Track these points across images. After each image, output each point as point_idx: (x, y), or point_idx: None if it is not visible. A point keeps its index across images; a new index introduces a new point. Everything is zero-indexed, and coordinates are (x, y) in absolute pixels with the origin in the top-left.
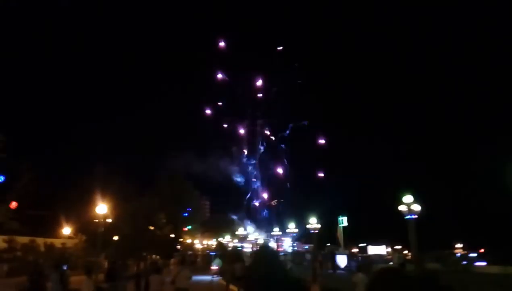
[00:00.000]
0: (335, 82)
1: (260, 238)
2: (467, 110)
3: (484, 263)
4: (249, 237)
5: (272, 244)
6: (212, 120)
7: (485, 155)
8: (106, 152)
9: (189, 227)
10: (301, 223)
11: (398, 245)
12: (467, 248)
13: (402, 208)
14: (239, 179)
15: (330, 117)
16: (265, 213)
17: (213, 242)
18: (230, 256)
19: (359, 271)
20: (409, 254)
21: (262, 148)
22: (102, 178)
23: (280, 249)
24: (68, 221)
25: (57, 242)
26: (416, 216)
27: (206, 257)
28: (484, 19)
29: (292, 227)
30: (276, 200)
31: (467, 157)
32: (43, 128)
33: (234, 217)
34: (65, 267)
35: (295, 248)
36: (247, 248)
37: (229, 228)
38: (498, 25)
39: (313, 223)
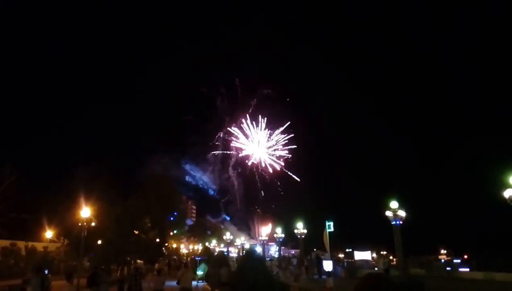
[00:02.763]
0: (321, 86)
1: (247, 243)
2: (449, 115)
3: (467, 269)
4: (235, 242)
5: (258, 249)
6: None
7: (468, 162)
8: (90, 154)
9: (175, 231)
10: (287, 228)
11: (383, 250)
12: (451, 254)
13: (388, 213)
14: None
15: (316, 125)
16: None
17: (199, 247)
18: (216, 261)
19: (329, 276)
20: (395, 259)
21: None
22: (86, 181)
23: (266, 254)
24: (50, 224)
25: (39, 246)
26: (401, 222)
27: (191, 262)
28: (476, 19)
29: (278, 231)
30: (256, 207)
31: (451, 164)
32: (25, 130)
33: (220, 221)
34: (46, 272)
35: (282, 253)
36: (234, 252)
37: (216, 232)
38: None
39: (300, 228)
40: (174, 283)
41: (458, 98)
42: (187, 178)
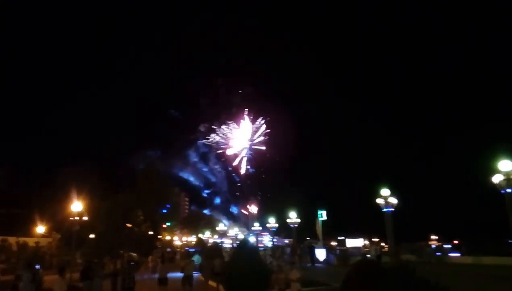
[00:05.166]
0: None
1: (240, 233)
2: (439, 104)
3: (458, 254)
4: (229, 232)
5: (252, 239)
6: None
7: (457, 149)
8: (79, 149)
9: (168, 224)
10: (281, 217)
11: (376, 237)
12: (442, 239)
13: (379, 201)
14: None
15: (306, 114)
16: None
17: (192, 239)
18: (209, 252)
19: (293, 264)
20: (386, 246)
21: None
22: (76, 175)
23: (260, 244)
24: (41, 219)
25: (30, 241)
26: (393, 209)
27: (185, 254)
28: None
29: (271, 221)
30: (255, 196)
31: (442, 151)
32: (13, 125)
33: (214, 213)
34: (37, 267)
35: (275, 242)
36: (227, 243)
37: (209, 224)
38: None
39: (293, 217)
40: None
41: (448, 86)
42: (177, 171)
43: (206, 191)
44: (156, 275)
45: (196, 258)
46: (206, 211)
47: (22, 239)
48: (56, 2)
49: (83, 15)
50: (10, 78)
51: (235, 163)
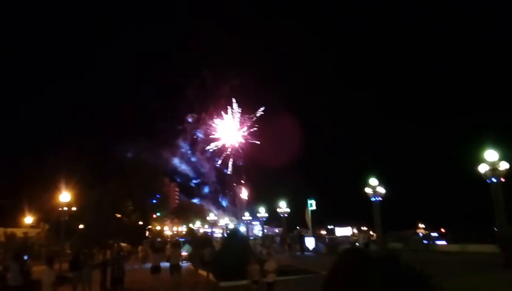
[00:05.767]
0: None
1: (230, 223)
2: (427, 94)
3: (444, 242)
4: (219, 222)
5: (242, 229)
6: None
7: (444, 138)
8: (71, 136)
9: (158, 214)
10: (270, 207)
11: (364, 226)
12: (429, 228)
13: (367, 190)
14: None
15: (297, 104)
16: (228, 198)
17: (183, 229)
18: (199, 241)
19: (269, 255)
20: (375, 234)
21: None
22: (65, 165)
23: (250, 233)
24: (29, 209)
25: (18, 232)
26: (381, 198)
27: (175, 244)
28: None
29: (262, 211)
30: (244, 186)
31: (429, 140)
32: (1, 109)
33: (204, 203)
34: (26, 257)
35: (265, 232)
36: (218, 233)
37: (200, 214)
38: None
39: (283, 207)
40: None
41: (435, 74)
42: (166, 161)
43: (195, 181)
44: (146, 265)
45: (187, 248)
46: (196, 201)
47: (10, 230)
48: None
49: (75, 4)
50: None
51: (223, 153)
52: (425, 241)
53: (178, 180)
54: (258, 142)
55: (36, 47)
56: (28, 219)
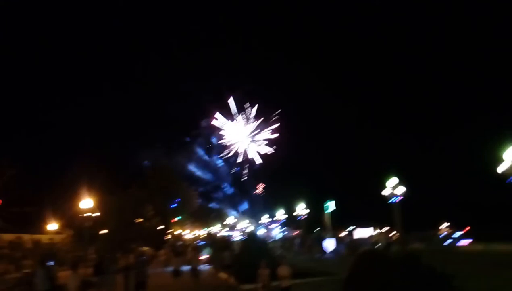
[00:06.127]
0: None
1: (249, 226)
2: (447, 91)
3: (469, 241)
4: (238, 225)
5: (262, 231)
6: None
7: (466, 136)
8: (91, 145)
9: (179, 218)
10: (289, 209)
11: (385, 226)
12: (453, 227)
13: (387, 190)
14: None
15: (316, 104)
16: (247, 201)
17: (202, 232)
18: (219, 245)
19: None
20: (396, 235)
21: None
22: (88, 171)
23: (269, 236)
24: (54, 216)
25: (44, 238)
26: (401, 198)
27: (194, 247)
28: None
29: (280, 213)
30: (262, 188)
31: (450, 138)
32: (25, 121)
33: (223, 207)
34: (52, 263)
35: (285, 234)
36: (237, 236)
37: (219, 217)
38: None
39: (302, 208)
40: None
41: (456, 74)
42: (184, 166)
43: (212, 185)
44: (169, 268)
45: (207, 251)
46: (214, 204)
47: (36, 236)
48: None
49: (98, 16)
50: (19, 76)
51: (239, 157)
52: (448, 241)
53: (196, 184)
54: (272, 149)
55: (62, 58)
56: (53, 226)
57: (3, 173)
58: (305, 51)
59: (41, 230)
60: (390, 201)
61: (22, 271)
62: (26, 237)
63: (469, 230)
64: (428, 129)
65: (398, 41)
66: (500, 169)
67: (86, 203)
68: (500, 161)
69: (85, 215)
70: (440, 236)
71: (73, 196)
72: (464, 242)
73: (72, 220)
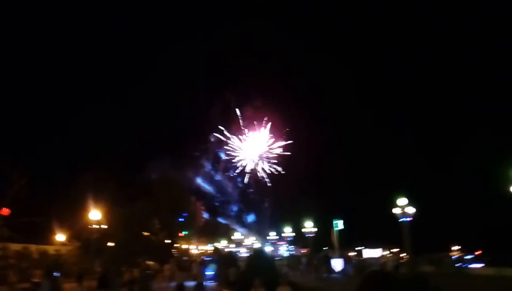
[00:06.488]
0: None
1: (256, 242)
2: (457, 111)
3: (481, 265)
4: (244, 241)
5: (269, 249)
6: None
7: (477, 157)
8: (99, 156)
9: (185, 232)
10: (297, 227)
11: (395, 248)
12: (464, 250)
13: (396, 210)
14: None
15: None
16: (253, 217)
17: (208, 247)
18: (224, 261)
19: None
20: (405, 257)
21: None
22: (93, 184)
23: (276, 253)
24: (61, 227)
25: (50, 249)
26: (410, 219)
27: (199, 263)
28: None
29: (288, 231)
30: (267, 204)
31: (460, 159)
32: (34, 132)
33: (229, 222)
34: (58, 274)
35: (293, 252)
36: (243, 252)
37: (226, 233)
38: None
39: (309, 226)
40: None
41: (465, 93)
42: (191, 180)
43: (219, 200)
44: (173, 283)
45: (213, 267)
46: (221, 220)
47: (43, 247)
48: (78, 12)
49: (101, 25)
50: (26, 88)
51: (246, 173)
52: (458, 264)
53: (203, 199)
54: (281, 169)
55: (71, 72)
56: (60, 237)
57: (14, 182)
58: (315, 70)
59: (48, 241)
60: (400, 220)
61: (29, 280)
62: (33, 247)
63: (480, 253)
64: (438, 148)
65: (404, 59)
66: None
67: (94, 214)
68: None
69: (92, 226)
70: (451, 259)
71: (81, 207)
72: (476, 266)
73: (79, 232)
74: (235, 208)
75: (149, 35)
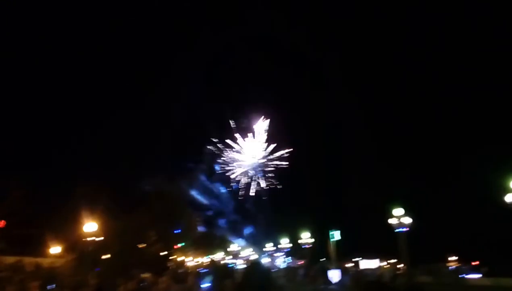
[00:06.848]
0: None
1: (253, 254)
2: (457, 118)
3: (479, 275)
4: (241, 253)
5: (266, 260)
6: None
7: (474, 167)
8: (95, 168)
9: (182, 244)
10: (294, 238)
11: (393, 258)
12: (461, 260)
13: (392, 221)
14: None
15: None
16: (250, 229)
17: (205, 259)
18: (221, 273)
19: None
20: (402, 267)
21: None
22: (91, 195)
23: (273, 264)
24: (56, 239)
25: (45, 262)
26: (407, 229)
27: (195, 275)
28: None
29: (284, 242)
30: (263, 216)
31: (458, 168)
32: (29, 143)
33: (226, 234)
34: (53, 286)
35: (290, 264)
36: (240, 264)
37: (222, 244)
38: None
39: (306, 237)
40: None
41: (462, 103)
42: (187, 192)
43: (216, 211)
44: None
45: (208, 279)
46: (217, 231)
47: (37, 260)
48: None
49: (103, 36)
50: (21, 100)
51: (241, 184)
52: (455, 275)
53: (199, 210)
54: (277, 183)
55: (70, 85)
56: (56, 249)
57: (10, 194)
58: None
59: (43, 253)
60: (397, 230)
61: None
62: (28, 259)
63: (478, 264)
64: (434, 158)
65: (402, 73)
66: (509, 199)
67: (90, 226)
68: (508, 190)
69: (88, 239)
70: (448, 269)
71: (77, 219)
72: (473, 276)
73: (74, 244)
74: (231, 220)
75: (144, 49)
